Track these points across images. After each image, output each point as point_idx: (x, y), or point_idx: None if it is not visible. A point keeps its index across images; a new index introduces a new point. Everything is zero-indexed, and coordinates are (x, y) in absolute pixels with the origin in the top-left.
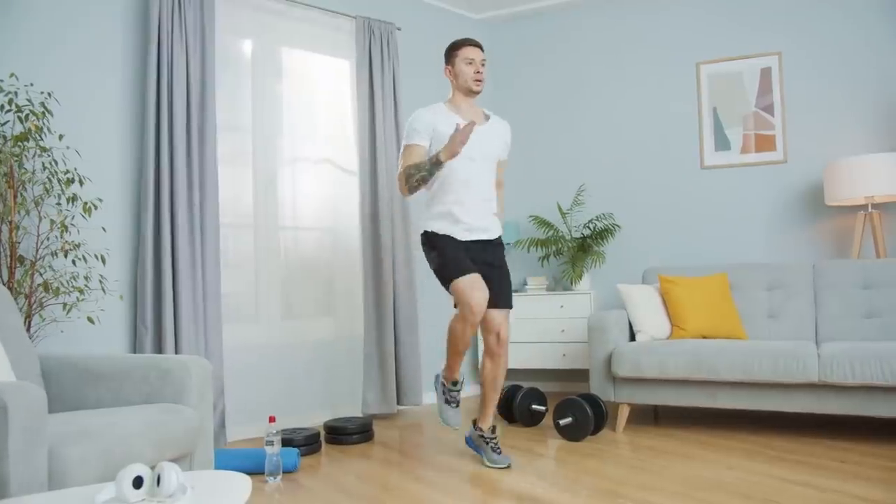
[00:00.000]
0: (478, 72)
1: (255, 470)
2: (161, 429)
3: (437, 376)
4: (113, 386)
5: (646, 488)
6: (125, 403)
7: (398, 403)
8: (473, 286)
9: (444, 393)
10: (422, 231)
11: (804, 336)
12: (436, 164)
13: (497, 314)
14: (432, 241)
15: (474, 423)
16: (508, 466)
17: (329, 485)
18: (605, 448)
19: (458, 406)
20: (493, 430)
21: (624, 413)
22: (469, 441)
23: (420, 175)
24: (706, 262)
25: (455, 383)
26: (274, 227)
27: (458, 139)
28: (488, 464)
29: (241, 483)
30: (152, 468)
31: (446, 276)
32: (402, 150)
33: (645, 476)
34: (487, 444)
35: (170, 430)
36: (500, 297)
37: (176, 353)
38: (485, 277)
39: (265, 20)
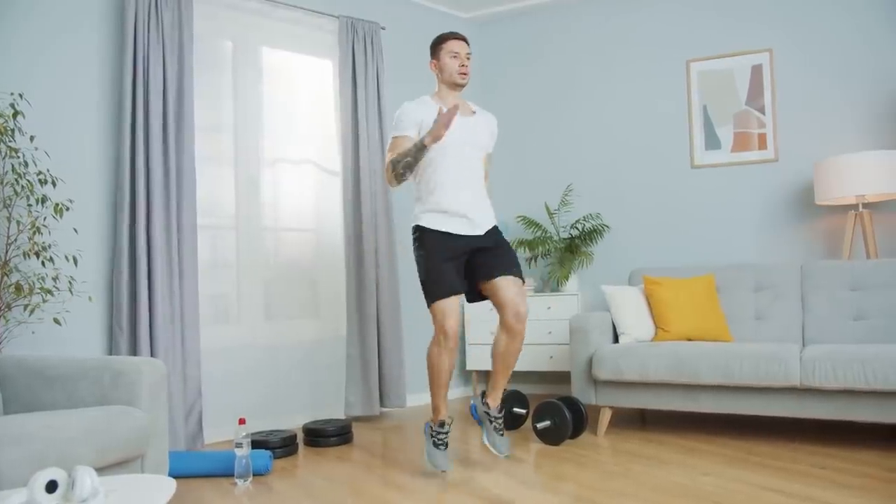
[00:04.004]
0: (463, 65)
1: (226, 472)
2: (104, 432)
3: (427, 424)
4: (67, 388)
5: (617, 494)
6: (79, 405)
7: (381, 405)
8: (452, 312)
9: (431, 436)
10: (413, 224)
11: (791, 338)
12: (421, 149)
13: (509, 285)
14: (422, 238)
15: (483, 394)
16: (506, 457)
17: (298, 488)
18: (583, 452)
19: (446, 448)
20: (501, 409)
21: (605, 417)
22: (473, 410)
23: (406, 161)
24: (695, 263)
25: (442, 424)
26: (256, 228)
27: (443, 122)
28: (486, 442)
29: (163, 487)
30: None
31: (429, 292)
32: (389, 141)
33: (618, 482)
34: (491, 422)
35: (114, 432)
36: (508, 265)
37: (152, 355)
38: (486, 257)
39: (246, 20)
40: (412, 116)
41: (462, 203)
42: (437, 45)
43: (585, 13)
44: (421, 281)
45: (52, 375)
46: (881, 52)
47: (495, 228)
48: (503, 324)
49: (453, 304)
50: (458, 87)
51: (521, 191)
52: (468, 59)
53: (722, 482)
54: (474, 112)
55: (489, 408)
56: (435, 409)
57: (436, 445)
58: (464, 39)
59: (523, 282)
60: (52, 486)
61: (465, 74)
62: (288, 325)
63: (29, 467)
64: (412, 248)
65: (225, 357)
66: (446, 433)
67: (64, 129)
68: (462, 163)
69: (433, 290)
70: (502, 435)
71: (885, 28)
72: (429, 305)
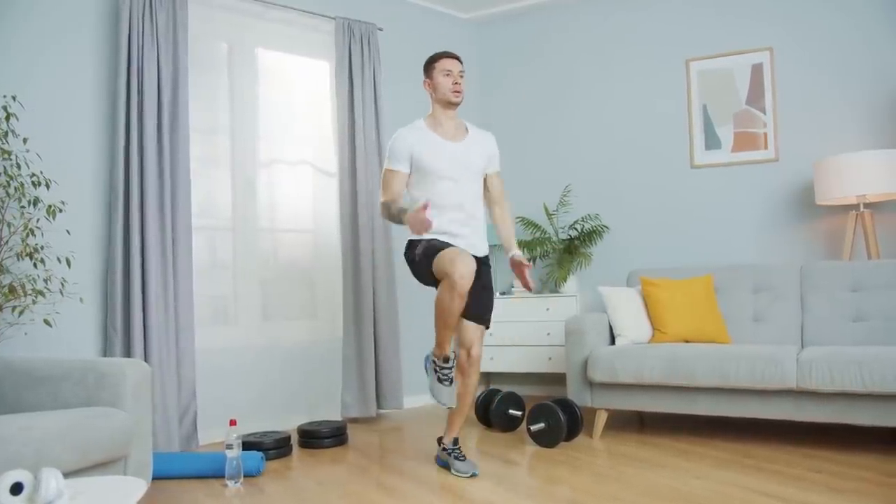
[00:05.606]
0: (456, 83)
1: (217, 473)
2: (85, 433)
3: (427, 356)
4: (52, 389)
5: (607, 498)
6: (64, 406)
7: (378, 407)
8: (457, 256)
9: (436, 371)
10: (408, 241)
11: (790, 340)
12: (401, 222)
13: (473, 329)
14: (417, 242)
15: (438, 440)
16: (474, 475)
17: (289, 490)
18: (577, 455)
19: (451, 384)
20: (456, 441)
21: (601, 419)
22: (438, 460)
23: (394, 220)
24: (694, 264)
25: (447, 360)
26: (253, 230)
27: (416, 221)
28: (455, 473)
29: (131, 489)
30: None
31: (428, 256)
32: (384, 170)
33: (610, 485)
34: (450, 454)
35: (95, 434)
36: (481, 314)
37: (145, 356)
38: (469, 296)
39: (241, 21)
40: (404, 148)
41: (460, 228)
42: (429, 64)
43: (584, 13)
44: (418, 263)
45: (38, 377)
46: (881, 51)
47: (487, 259)
48: (457, 363)
49: (457, 251)
50: (451, 105)
51: (519, 191)
52: (461, 77)
53: (715, 486)
54: (468, 132)
55: (445, 445)
56: (440, 343)
57: (440, 381)
58: (457, 58)
59: (488, 328)
60: (17, 489)
61: (458, 93)
62: (285, 325)
63: (7, 468)
64: (406, 263)
65: (221, 358)
66: (451, 368)
67: (58, 131)
68: (456, 190)
69: (432, 251)
70: (463, 460)
71: (884, 28)
72: (432, 270)
